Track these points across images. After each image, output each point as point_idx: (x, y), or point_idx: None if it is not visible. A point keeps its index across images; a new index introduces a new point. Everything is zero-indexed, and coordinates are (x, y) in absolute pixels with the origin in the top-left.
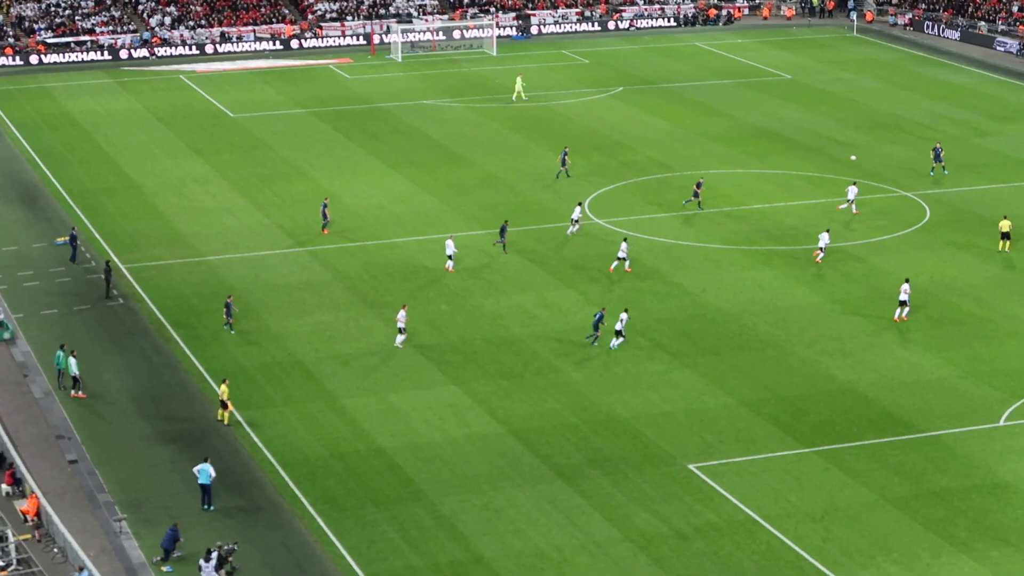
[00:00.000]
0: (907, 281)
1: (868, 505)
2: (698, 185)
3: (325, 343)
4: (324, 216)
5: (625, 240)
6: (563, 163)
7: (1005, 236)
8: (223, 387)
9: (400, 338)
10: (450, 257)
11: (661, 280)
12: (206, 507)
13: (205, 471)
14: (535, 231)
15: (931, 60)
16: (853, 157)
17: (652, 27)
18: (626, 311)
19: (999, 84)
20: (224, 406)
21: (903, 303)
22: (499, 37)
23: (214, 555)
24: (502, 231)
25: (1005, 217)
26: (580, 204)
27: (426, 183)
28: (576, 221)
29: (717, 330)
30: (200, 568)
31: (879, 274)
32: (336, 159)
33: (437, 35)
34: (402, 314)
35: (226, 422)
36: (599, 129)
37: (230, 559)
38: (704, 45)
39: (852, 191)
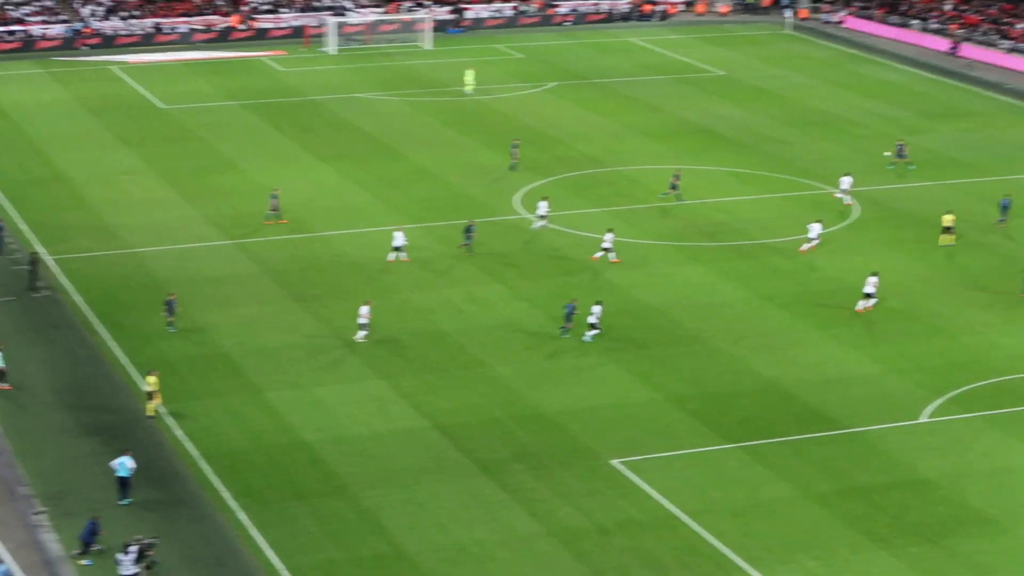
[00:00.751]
0: (875, 275)
1: (789, 501)
2: (676, 177)
3: (251, 336)
4: (273, 208)
5: (611, 231)
6: (514, 156)
7: (947, 230)
8: (151, 378)
9: (361, 333)
10: (398, 249)
11: (591, 275)
12: (123, 500)
13: (123, 464)
14: (465, 225)
15: (864, 58)
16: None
17: (587, 22)
18: (599, 303)
19: (930, 82)
20: (150, 397)
21: (868, 295)
22: (434, 30)
23: (133, 549)
24: (467, 231)
25: (949, 211)
26: (546, 199)
27: (358, 176)
28: (543, 216)
29: (645, 325)
30: (118, 562)
31: (807, 270)
32: (267, 152)
33: (371, 28)
34: (365, 309)
35: (151, 414)
36: (532, 124)
37: (149, 552)
38: (638, 41)
39: (846, 181)
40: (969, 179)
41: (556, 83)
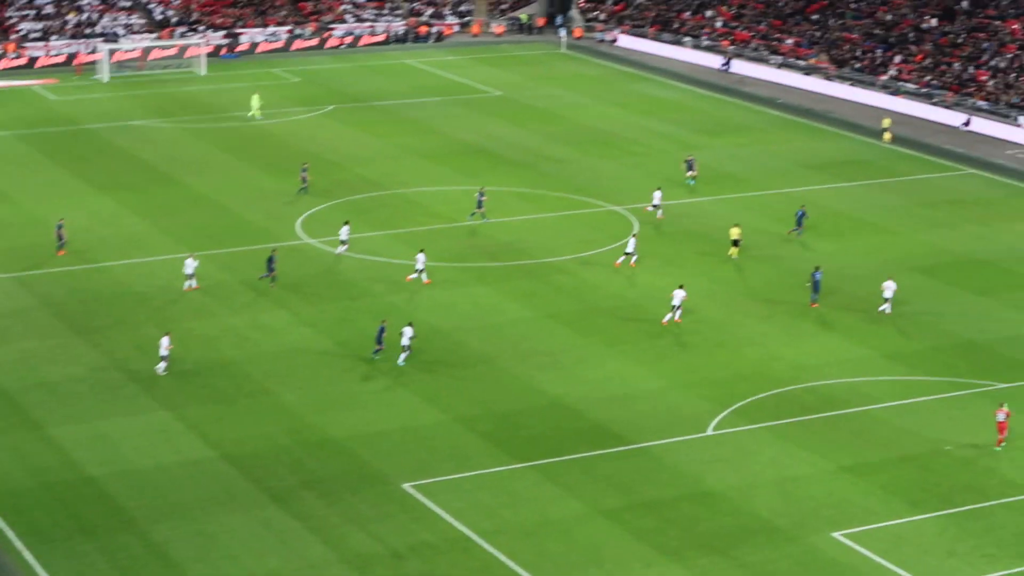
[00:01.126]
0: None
1: (580, 518)
2: (481, 195)
3: (30, 371)
4: (59, 237)
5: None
6: (303, 180)
7: (735, 243)
8: None
9: (162, 365)
10: (190, 276)
11: (374, 299)
12: None
13: None
14: (246, 252)
15: (638, 75)
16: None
17: (363, 45)
18: (410, 324)
19: (704, 98)
20: None
21: (675, 307)
22: (208, 55)
23: None
24: (270, 263)
25: (736, 224)
26: (347, 223)
27: (135, 205)
28: (344, 241)
29: (431, 347)
30: None
31: (588, 288)
32: (41, 182)
33: (145, 54)
34: (165, 340)
35: None
36: (310, 148)
37: None
38: (415, 62)
39: (657, 196)
40: (745, 193)
41: (333, 106)
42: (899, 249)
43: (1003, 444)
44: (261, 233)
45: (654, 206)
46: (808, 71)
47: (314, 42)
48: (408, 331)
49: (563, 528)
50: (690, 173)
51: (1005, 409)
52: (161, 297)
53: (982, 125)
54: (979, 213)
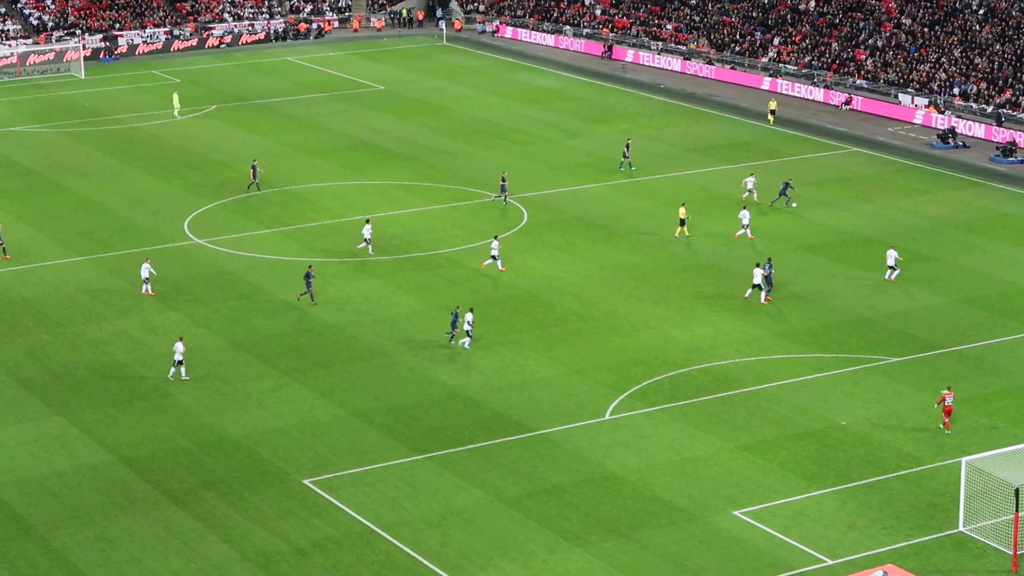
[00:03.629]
0: (758, 265)
1: (483, 506)
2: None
3: None
4: None
5: (496, 238)
6: (254, 175)
7: (682, 222)
8: None
9: (176, 371)
10: (146, 280)
11: (266, 296)
12: None
13: None
14: (135, 255)
15: (520, 65)
16: (794, 205)
17: (243, 44)
18: (471, 310)
19: (587, 86)
20: None
21: (757, 286)
22: (86, 59)
23: None
24: (307, 279)
25: (683, 204)
26: (368, 220)
27: (18, 212)
28: (368, 240)
29: (325, 343)
30: None
31: (481, 278)
32: None
33: (22, 60)
34: (179, 346)
35: None
36: (195, 148)
37: None
38: (296, 59)
39: (750, 181)
40: (633, 179)
41: (216, 106)
42: (786, 228)
43: (949, 427)
44: (149, 235)
45: (749, 191)
46: (689, 56)
47: (193, 42)
48: (470, 317)
49: (466, 517)
50: (624, 159)
51: (952, 393)
52: (50, 303)
53: (863, 104)
54: (863, 190)
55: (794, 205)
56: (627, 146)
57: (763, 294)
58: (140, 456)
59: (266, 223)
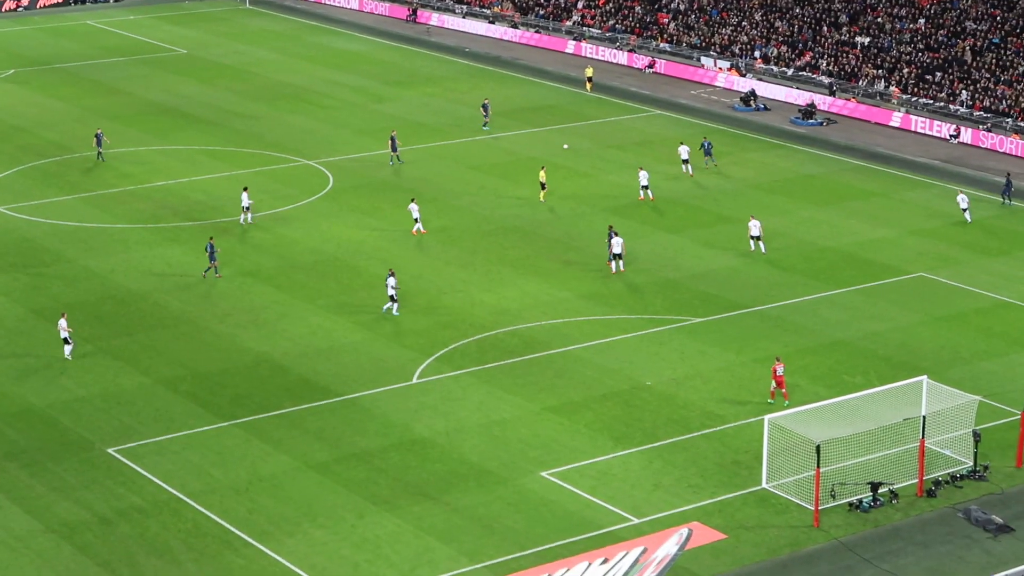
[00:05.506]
0: (617, 234)
1: (291, 473)
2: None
3: None
4: None
5: (413, 200)
6: (99, 143)
7: (543, 186)
8: None
9: None
10: None
11: (68, 264)
12: None
13: None
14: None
15: (325, 29)
16: (566, 146)
17: (42, 7)
18: (392, 274)
19: (392, 50)
20: None
21: (618, 256)
22: None
23: None
24: (210, 252)
25: (542, 167)
26: (245, 189)
27: None
28: (246, 209)
29: (128, 311)
30: None
31: (287, 243)
32: None
33: None
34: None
35: None
36: None
37: None
38: (96, 23)
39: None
40: (438, 142)
41: (13, 70)
42: (592, 191)
43: (781, 398)
44: None
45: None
46: (493, 19)
47: None
48: (391, 281)
49: (274, 483)
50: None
51: (782, 363)
52: None
53: (666, 67)
54: (667, 153)
55: (715, 164)
56: (484, 107)
57: (615, 263)
58: None
59: (66, 189)
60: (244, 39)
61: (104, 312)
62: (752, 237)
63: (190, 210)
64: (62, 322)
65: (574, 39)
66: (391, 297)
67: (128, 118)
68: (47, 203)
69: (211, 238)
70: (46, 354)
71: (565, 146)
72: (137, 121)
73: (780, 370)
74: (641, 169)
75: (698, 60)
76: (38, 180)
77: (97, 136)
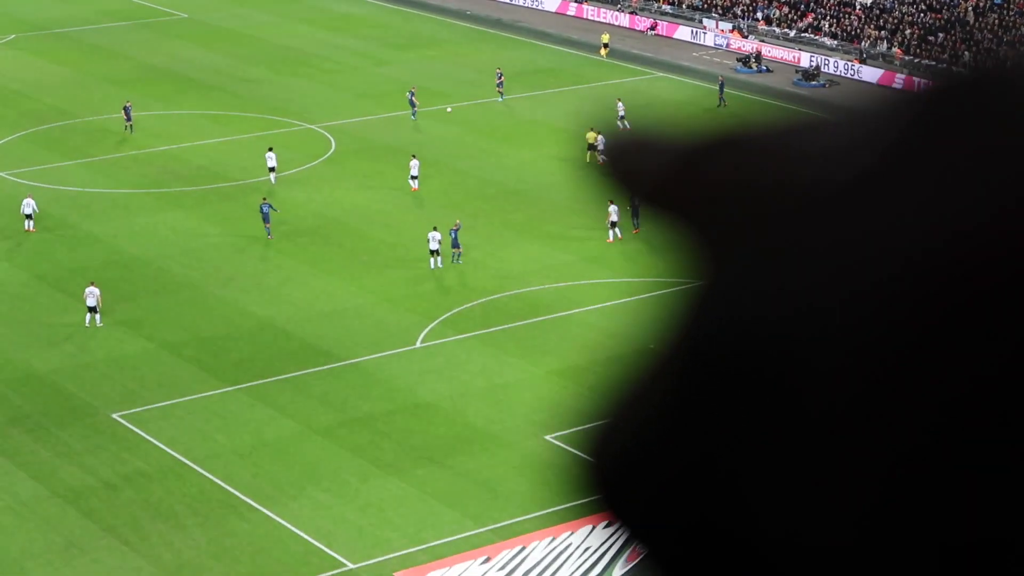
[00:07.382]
0: (612, 202)
1: (295, 437)
2: (412, 94)
3: None
4: None
5: (414, 156)
6: (128, 116)
7: (592, 147)
8: None
9: None
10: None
11: (71, 229)
12: None
13: None
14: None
15: None
16: (448, 109)
17: None
18: (435, 228)
19: (392, 12)
20: None
21: (614, 224)
22: None
23: None
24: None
25: (592, 129)
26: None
27: None
28: (272, 169)
29: (132, 276)
30: None
31: (290, 206)
32: None
33: None
34: None
35: None
36: None
37: None
38: None
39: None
40: (438, 106)
41: (14, 35)
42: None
43: None
44: None
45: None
46: None
47: None
48: (438, 235)
49: (278, 448)
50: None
51: None
52: None
53: (667, 28)
54: (669, 116)
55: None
56: (499, 76)
57: (615, 231)
58: None
59: (69, 155)
60: (245, 2)
61: (107, 277)
62: None
63: (193, 175)
64: (93, 289)
65: (575, 1)
66: (434, 251)
67: (129, 83)
68: (49, 168)
69: (263, 199)
70: (50, 320)
71: (448, 109)
72: (138, 86)
73: None
74: None
75: (700, 22)
76: (40, 145)
77: (126, 109)
